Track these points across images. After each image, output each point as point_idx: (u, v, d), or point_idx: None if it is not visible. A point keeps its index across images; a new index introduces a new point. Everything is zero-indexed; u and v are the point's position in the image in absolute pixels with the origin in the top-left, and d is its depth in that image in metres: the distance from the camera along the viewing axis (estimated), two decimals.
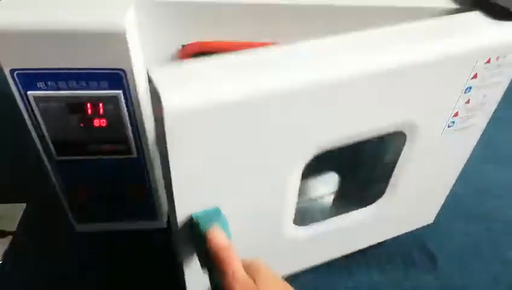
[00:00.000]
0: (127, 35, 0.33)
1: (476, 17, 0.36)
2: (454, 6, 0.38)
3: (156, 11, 0.36)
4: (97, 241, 0.51)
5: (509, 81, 0.39)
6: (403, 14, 0.37)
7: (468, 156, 0.46)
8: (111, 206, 0.47)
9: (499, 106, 0.41)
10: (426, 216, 0.53)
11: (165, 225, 0.50)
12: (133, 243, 0.51)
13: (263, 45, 0.32)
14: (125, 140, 0.40)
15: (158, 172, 0.44)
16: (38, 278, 0.49)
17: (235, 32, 0.38)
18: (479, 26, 0.35)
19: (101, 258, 0.51)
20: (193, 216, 0.30)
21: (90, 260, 0.51)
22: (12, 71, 0.34)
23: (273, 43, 0.33)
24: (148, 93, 0.27)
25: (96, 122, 0.39)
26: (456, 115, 0.39)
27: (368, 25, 0.33)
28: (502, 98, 0.40)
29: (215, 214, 0.31)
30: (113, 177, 0.43)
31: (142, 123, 0.39)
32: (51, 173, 0.43)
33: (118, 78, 0.36)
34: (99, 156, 0.41)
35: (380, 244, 0.52)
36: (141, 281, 0.49)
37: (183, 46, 0.39)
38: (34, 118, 0.38)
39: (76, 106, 0.38)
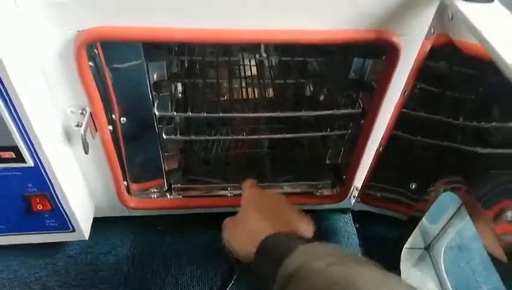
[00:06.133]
0: None
1: None
2: None
3: None
4: None
5: None
6: None
7: None
8: (18, 218, 0.40)
9: None
10: None
11: (86, 237, 0.43)
12: None
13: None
14: (15, 147, 0.33)
15: (65, 178, 0.38)
16: None
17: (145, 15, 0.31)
18: None
19: None
20: None
21: None
22: None
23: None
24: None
25: None
26: None
27: None
28: None
29: None
30: (12, 187, 0.37)
31: (32, 128, 0.32)
32: None
33: None
34: None
35: None
36: None
37: (79, 32, 0.31)
38: None
39: None
